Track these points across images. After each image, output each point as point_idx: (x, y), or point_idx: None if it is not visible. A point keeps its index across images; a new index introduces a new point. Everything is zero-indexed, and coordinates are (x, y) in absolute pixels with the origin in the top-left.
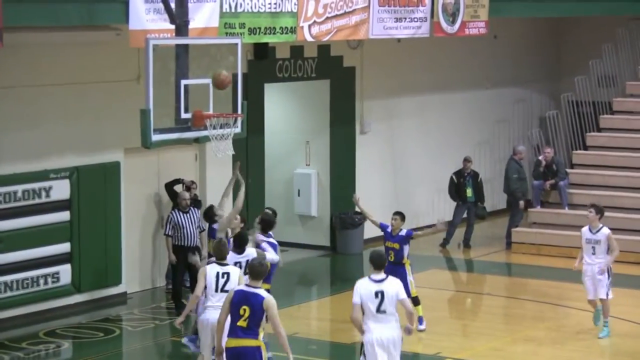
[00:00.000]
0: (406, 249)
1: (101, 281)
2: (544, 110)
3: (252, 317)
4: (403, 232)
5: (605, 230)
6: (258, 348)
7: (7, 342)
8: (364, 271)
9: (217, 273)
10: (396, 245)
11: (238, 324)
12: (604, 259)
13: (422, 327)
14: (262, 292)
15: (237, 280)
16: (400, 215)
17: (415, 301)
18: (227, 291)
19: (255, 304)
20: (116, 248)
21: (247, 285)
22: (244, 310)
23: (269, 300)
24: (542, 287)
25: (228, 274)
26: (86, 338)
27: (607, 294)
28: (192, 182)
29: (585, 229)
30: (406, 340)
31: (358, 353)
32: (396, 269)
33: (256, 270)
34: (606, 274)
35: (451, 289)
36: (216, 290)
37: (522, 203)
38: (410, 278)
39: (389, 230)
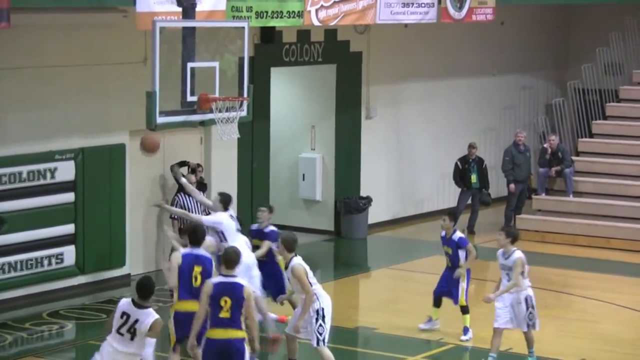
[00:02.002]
0: (462, 254)
1: (105, 263)
2: (550, 97)
3: (235, 307)
4: (456, 237)
5: (516, 255)
6: (243, 340)
7: (10, 322)
8: (367, 256)
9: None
10: (449, 250)
11: (220, 315)
12: (517, 286)
13: (465, 337)
14: (240, 280)
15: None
16: (449, 216)
17: (464, 310)
18: None
19: (236, 293)
20: (120, 230)
21: (222, 275)
22: (225, 301)
23: (248, 288)
24: (545, 274)
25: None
26: (90, 319)
27: (529, 326)
28: (198, 165)
29: (499, 252)
30: (410, 327)
31: (361, 338)
32: (451, 275)
33: (231, 259)
34: (523, 304)
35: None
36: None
37: (511, 187)
38: (463, 284)
39: (443, 234)
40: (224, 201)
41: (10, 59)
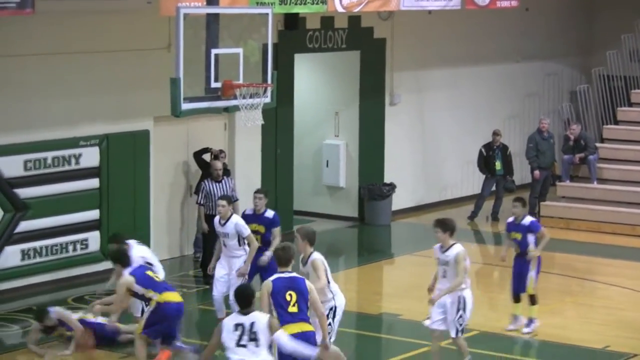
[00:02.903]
0: (531, 239)
1: None
2: (574, 84)
3: (301, 300)
4: (527, 222)
5: (456, 249)
6: (314, 333)
7: (35, 307)
8: (391, 242)
9: None
10: (518, 235)
11: (289, 310)
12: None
13: (528, 329)
14: (296, 274)
15: None
16: (520, 202)
17: (532, 300)
18: None
19: (299, 286)
20: (145, 216)
21: (280, 272)
22: (290, 295)
23: (308, 281)
24: (570, 261)
25: None
26: None
27: (458, 331)
28: (221, 151)
29: (436, 247)
30: None
31: (385, 324)
32: (522, 262)
33: (287, 256)
34: (455, 305)
35: (478, 261)
36: None
37: (536, 173)
38: (531, 273)
39: (511, 220)
40: None
41: (34, 46)
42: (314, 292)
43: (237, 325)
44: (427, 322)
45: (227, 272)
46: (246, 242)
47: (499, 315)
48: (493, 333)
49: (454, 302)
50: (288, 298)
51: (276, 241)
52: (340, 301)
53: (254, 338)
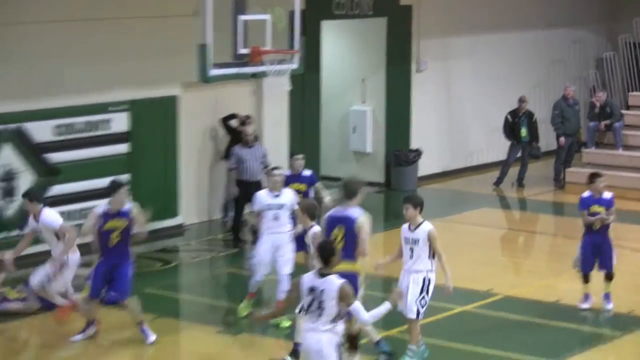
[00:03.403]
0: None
1: (159, 213)
2: (600, 51)
3: (348, 237)
4: (609, 196)
5: (426, 227)
6: (355, 275)
7: None
8: None
9: None
10: (602, 209)
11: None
12: (423, 265)
13: (610, 305)
14: (354, 211)
15: None
16: (603, 176)
17: (612, 276)
18: None
19: (349, 223)
20: (173, 180)
21: (338, 208)
22: (339, 229)
23: (362, 219)
24: None
25: None
26: (144, 268)
27: (418, 313)
28: (247, 117)
29: (404, 226)
30: (460, 277)
31: None
32: (604, 239)
33: (350, 189)
34: (419, 285)
35: (504, 227)
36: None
37: (561, 140)
38: (612, 253)
39: (588, 195)
40: None
41: (63, 11)
42: (363, 230)
43: (310, 289)
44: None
45: (271, 254)
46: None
47: (522, 279)
48: (517, 298)
49: (418, 283)
50: (336, 232)
51: (324, 192)
52: None
53: (320, 306)
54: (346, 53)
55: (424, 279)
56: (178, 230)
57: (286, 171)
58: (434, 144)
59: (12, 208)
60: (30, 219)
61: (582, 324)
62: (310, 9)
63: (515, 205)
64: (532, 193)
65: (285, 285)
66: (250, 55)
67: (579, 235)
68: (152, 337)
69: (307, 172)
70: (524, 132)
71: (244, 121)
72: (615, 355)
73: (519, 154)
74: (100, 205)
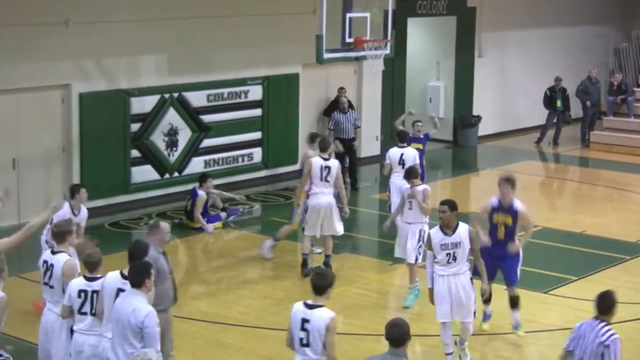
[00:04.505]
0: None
1: (283, 160)
2: (618, 42)
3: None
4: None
5: (422, 187)
6: None
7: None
8: (477, 160)
9: (321, 166)
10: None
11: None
12: (412, 215)
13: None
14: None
15: (336, 172)
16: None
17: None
18: (328, 181)
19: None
20: (294, 136)
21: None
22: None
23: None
24: (611, 176)
25: (329, 167)
26: (271, 202)
27: (417, 259)
28: (342, 89)
29: (404, 188)
30: None
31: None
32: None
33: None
34: (417, 235)
35: (542, 175)
36: (320, 179)
37: (588, 103)
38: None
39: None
40: None
41: (220, 8)
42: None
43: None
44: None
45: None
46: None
47: (556, 215)
48: (552, 229)
49: (415, 234)
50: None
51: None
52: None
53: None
54: (426, 42)
55: (420, 231)
56: (296, 174)
57: (410, 133)
58: (491, 111)
59: (174, 156)
60: None
61: (603, 250)
62: (399, 9)
63: (551, 159)
64: (564, 150)
65: None
66: (354, 43)
67: (599, 182)
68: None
69: (422, 135)
70: (558, 103)
71: (340, 93)
72: (626, 272)
73: (555, 120)
74: None
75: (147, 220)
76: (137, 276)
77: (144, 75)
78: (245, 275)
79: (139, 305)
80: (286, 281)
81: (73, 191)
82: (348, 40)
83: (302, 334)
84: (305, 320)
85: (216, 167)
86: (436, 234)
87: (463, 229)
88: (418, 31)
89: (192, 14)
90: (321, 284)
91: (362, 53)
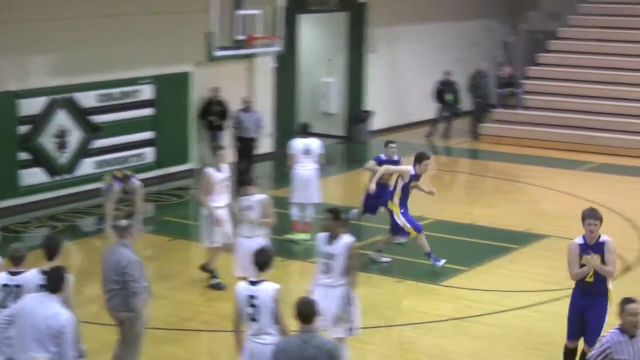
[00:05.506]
0: None
1: (175, 160)
2: (506, 37)
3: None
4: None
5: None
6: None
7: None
8: (370, 154)
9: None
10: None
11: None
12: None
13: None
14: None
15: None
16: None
17: None
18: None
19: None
20: (186, 135)
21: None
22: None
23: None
24: (500, 167)
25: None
26: (164, 202)
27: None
28: (216, 88)
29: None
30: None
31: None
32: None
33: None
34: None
35: (434, 168)
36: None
37: (477, 97)
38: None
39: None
40: None
41: (109, 8)
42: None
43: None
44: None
45: None
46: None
47: (447, 207)
48: (444, 221)
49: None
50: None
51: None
52: None
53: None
54: (318, 39)
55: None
56: (189, 173)
57: (382, 155)
58: (382, 106)
59: (64, 157)
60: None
61: (493, 240)
62: (290, 5)
63: (442, 151)
64: (455, 143)
65: None
66: (246, 40)
67: (488, 174)
68: (441, 262)
69: (396, 158)
70: (449, 96)
71: (214, 93)
72: (515, 262)
73: (446, 114)
74: None
75: (38, 223)
76: (55, 281)
77: (32, 76)
78: None
79: (58, 310)
80: (175, 280)
81: None
82: (239, 37)
83: (251, 310)
84: (251, 297)
85: (108, 168)
86: (321, 238)
87: (344, 241)
88: (310, 27)
89: (81, 13)
90: (263, 260)
91: (253, 50)
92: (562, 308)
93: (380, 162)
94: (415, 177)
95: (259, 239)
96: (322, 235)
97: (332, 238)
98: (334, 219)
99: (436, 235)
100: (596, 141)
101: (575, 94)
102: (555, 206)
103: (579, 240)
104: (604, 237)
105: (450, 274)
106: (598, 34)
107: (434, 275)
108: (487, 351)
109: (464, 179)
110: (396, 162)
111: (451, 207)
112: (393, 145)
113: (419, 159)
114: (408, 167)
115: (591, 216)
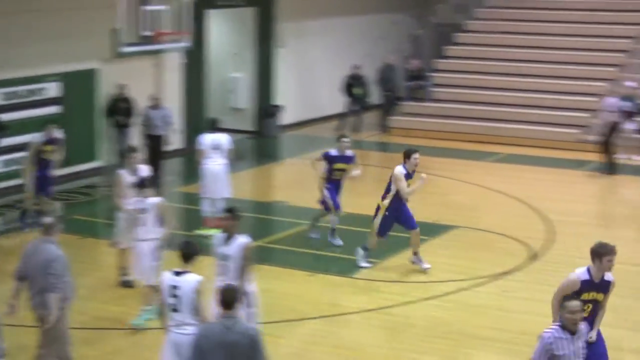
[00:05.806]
0: None
1: (83, 158)
2: (413, 29)
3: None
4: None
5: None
6: None
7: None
8: (281, 149)
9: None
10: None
11: None
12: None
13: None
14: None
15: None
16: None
17: None
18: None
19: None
20: (94, 133)
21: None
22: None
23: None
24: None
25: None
26: (72, 200)
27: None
28: (123, 85)
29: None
30: (312, 200)
31: (275, 209)
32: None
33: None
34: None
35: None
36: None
37: (386, 94)
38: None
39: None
40: None
41: (12, 4)
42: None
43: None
44: None
45: None
46: None
47: (357, 199)
48: (356, 214)
49: (152, 251)
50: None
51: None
52: None
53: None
54: (226, 34)
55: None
56: (97, 171)
57: (333, 151)
58: (292, 101)
59: None
60: None
61: (406, 232)
62: (198, 1)
63: (353, 145)
64: (365, 136)
65: None
66: (153, 36)
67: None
68: (426, 265)
69: (350, 153)
70: (358, 90)
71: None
72: (425, 253)
73: (355, 107)
74: None
75: None
76: None
77: None
78: None
79: None
80: (86, 279)
81: None
82: (147, 33)
83: (173, 300)
84: (174, 287)
85: (15, 167)
86: (218, 239)
87: (239, 242)
88: (218, 23)
89: None
90: (189, 252)
91: (161, 46)
92: (470, 298)
93: (330, 158)
94: (408, 176)
95: (153, 243)
96: (219, 236)
97: (228, 238)
98: (232, 218)
99: (347, 228)
100: (503, 132)
101: (482, 86)
102: (464, 197)
103: (583, 275)
104: (609, 277)
105: (365, 267)
106: (504, 26)
107: (345, 269)
108: (398, 342)
109: (374, 172)
110: (349, 158)
111: (363, 200)
112: (345, 140)
113: (407, 155)
114: (401, 173)
115: (612, 252)
